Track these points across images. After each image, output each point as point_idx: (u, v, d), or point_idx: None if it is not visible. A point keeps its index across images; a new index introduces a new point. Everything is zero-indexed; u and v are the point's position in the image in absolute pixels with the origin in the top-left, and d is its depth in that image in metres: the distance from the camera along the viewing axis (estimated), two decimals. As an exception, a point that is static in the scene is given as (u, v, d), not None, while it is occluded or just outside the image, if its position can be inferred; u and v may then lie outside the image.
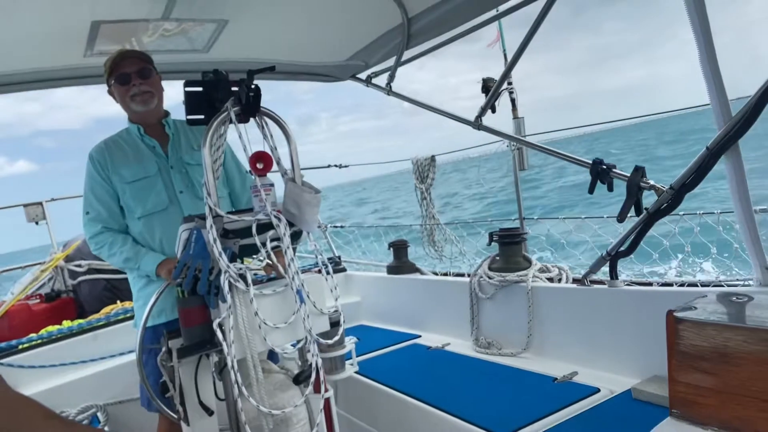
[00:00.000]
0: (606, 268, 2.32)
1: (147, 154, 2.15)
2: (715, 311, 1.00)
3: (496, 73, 2.69)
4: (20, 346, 2.73)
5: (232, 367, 1.36)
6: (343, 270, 4.00)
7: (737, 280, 2.63)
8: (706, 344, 0.95)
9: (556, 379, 2.23)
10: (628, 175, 2.09)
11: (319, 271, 1.63)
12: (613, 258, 2.25)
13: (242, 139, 1.54)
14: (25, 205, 4.67)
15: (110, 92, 2.21)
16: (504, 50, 3.21)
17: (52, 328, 3.07)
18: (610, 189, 2.19)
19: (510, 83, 3.02)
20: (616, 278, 2.27)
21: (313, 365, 1.50)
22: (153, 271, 2.03)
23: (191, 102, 1.57)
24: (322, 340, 1.56)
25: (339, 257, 4.17)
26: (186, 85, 1.57)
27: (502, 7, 2.40)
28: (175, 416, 1.56)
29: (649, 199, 2.06)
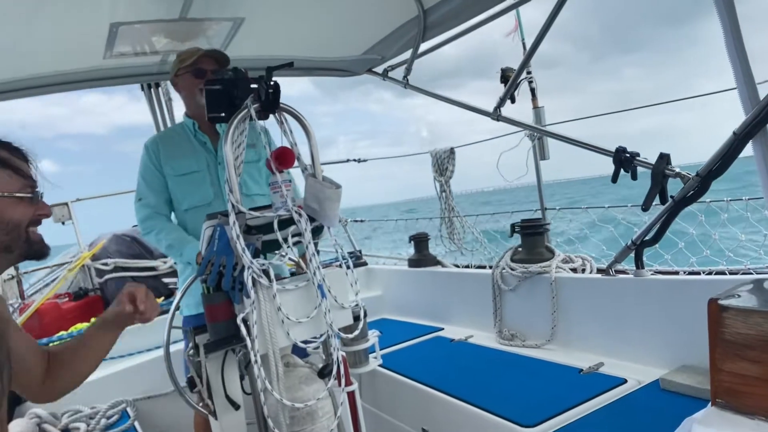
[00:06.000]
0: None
1: (198, 149, 2.24)
2: (759, 298, 0.97)
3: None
4: (51, 344, 2.80)
5: (256, 361, 1.37)
6: (364, 264, 4.01)
7: (765, 267, 2.57)
8: (753, 332, 0.92)
9: (582, 370, 2.21)
10: (653, 162, 2.05)
11: (340, 266, 1.63)
12: (638, 247, 2.21)
13: (262, 136, 1.55)
14: (51, 206, 4.76)
15: (174, 82, 2.28)
16: (522, 39, 3.15)
17: (81, 326, 3.13)
18: (634, 177, 2.15)
19: (529, 72, 2.98)
20: (642, 268, 2.24)
21: (334, 359, 1.51)
22: (194, 259, 2.12)
23: (212, 100, 1.57)
24: (343, 335, 1.57)
25: (360, 251, 4.18)
26: (206, 83, 1.58)
27: (520, -5, 2.37)
28: (204, 411, 1.59)
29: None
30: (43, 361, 1.39)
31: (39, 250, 1.34)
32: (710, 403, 0.99)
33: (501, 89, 2.68)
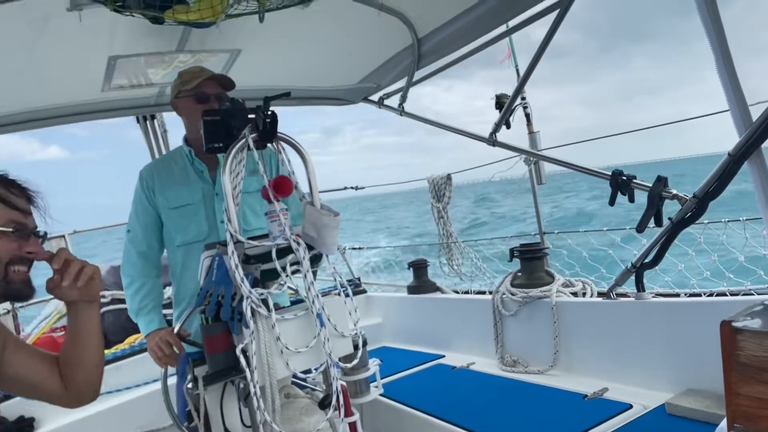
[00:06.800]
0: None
1: (194, 179, 2.09)
2: None
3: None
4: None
5: (255, 393, 1.35)
6: (363, 292, 3.98)
7: (765, 287, 2.56)
8: None
9: (587, 396, 2.18)
10: (650, 185, 2.05)
11: (339, 294, 1.62)
12: (638, 270, 2.20)
13: (260, 165, 1.55)
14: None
15: (175, 104, 2.15)
16: (516, 66, 3.21)
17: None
18: (631, 200, 2.16)
19: (524, 98, 3.01)
20: (643, 290, 2.22)
21: (334, 389, 1.48)
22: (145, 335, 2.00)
23: (210, 131, 1.58)
24: (342, 364, 1.55)
25: (359, 279, 4.16)
26: (204, 114, 1.59)
27: (512, 23, 2.42)
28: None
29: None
30: (54, 368, 1.34)
31: (17, 291, 1.22)
32: (726, 428, 0.96)
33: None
